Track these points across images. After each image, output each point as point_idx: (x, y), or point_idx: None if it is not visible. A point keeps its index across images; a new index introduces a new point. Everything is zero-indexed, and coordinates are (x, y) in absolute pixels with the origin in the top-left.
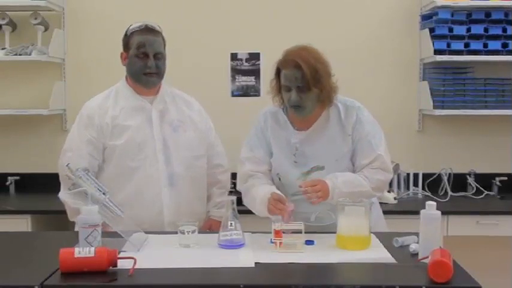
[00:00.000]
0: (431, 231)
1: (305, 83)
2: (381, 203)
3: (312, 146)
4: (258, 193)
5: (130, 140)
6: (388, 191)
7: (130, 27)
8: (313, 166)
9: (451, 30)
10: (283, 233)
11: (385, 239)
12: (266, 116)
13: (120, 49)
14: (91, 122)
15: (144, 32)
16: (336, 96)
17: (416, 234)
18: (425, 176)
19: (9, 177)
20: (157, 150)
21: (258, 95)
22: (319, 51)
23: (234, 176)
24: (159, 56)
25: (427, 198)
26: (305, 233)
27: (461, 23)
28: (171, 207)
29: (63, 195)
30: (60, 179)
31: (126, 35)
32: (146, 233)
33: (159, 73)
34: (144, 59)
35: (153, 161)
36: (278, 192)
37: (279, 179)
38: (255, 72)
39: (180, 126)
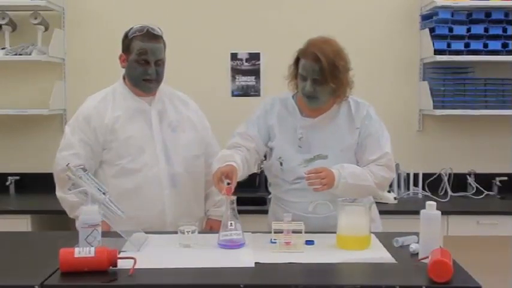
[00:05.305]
0: (431, 231)
1: (322, 77)
2: (381, 203)
3: (317, 134)
4: (224, 155)
5: (131, 142)
6: (388, 191)
7: (132, 30)
8: (317, 154)
9: (451, 30)
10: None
11: (385, 239)
12: (275, 101)
13: (120, 49)
14: (87, 125)
15: (146, 37)
16: (350, 92)
17: (416, 234)
18: (425, 176)
19: (9, 177)
20: (158, 151)
21: (258, 95)
22: (340, 46)
23: None
24: (160, 63)
25: (427, 198)
26: (305, 229)
27: (461, 23)
28: (173, 207)
29: (60, 192)
30: (55, 178)
31: (126, 37)
32: (147, 233)
33: (158, 79)
34: (144, 66)
35: (154, 162)
36: (235, 163)
37: (281, 163)
38: (255, 72)
39: (179, 126)
